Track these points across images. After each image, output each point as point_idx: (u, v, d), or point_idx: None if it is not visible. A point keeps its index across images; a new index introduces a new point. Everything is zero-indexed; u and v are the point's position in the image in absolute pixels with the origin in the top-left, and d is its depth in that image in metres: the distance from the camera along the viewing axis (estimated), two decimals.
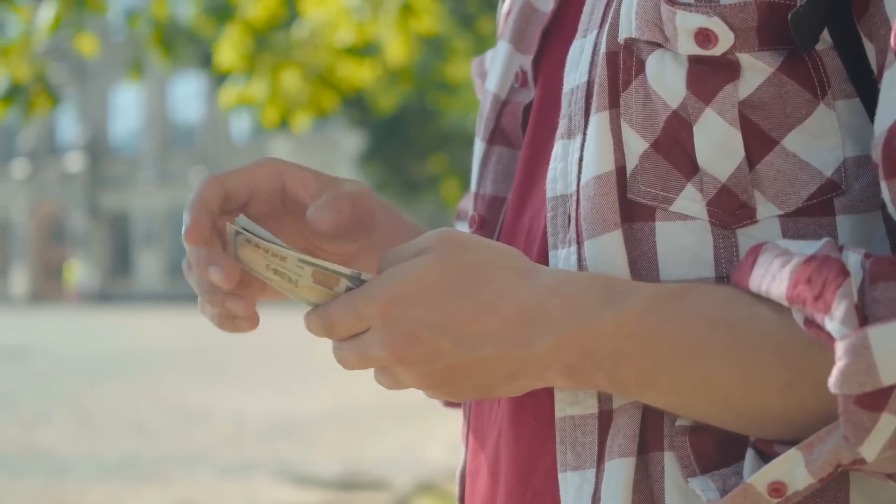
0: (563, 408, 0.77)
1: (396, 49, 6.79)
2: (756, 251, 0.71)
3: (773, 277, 0.68)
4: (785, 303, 0.68)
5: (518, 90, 0.93)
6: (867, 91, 0.73)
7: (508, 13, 0.98)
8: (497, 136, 0.94)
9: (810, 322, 0.67)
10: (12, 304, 43.64)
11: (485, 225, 0.93)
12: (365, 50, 7.21)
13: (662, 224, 0.75)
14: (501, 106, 0.94)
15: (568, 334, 0.70)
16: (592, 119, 0.78)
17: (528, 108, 0.91)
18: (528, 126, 0.89)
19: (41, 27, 6.18)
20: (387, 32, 6.75)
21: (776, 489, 0.68)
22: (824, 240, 0.69)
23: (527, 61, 0.92)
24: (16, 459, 8.02)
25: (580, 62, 0.80)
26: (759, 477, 0.69)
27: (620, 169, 0.76)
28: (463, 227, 1.05)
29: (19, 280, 46.30)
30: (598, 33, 0.79)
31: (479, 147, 0.96)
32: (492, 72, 0.96)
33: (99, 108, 46.73)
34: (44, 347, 18.80)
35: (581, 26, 0.82)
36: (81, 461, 7.96)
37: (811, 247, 0.69)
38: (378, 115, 20.90)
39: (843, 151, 0.73)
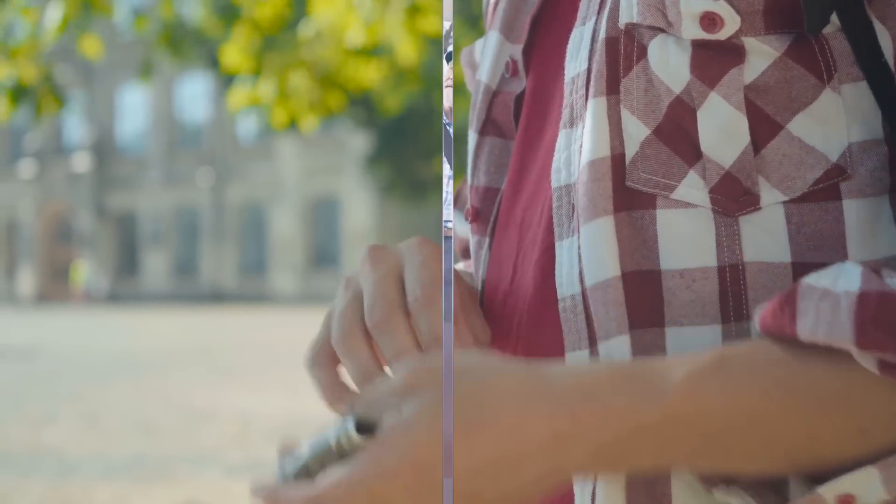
0: None
1: (404, 49, 6.79)
2: (793, 299, 0.67)
3: (828, 325, 0.64)
4: (853, 350, 0.64)
5: (509, 80, 0.91)
6: (876, 75, 0.71)
7: (497, 3, 0.96)
8: (489, 126, 0.93)
9: (887, 365, 0.64)
10: (19, 305, 43.74)
11: (479, 217, 0.92)
12: (372, 50, 7.22)
13: (663, 212, 0.73)
14: (492, 96, 0.92)
15: (606, 439, 0.65)
16: (589, 104, 0.76)
17: (519, 98, 0.89)
18: (521, 116, 0.88)
19: (48, 28, 6.20)
20: (394, 32, 6.76)
21: (846, 501, 0.66)
22: (857, 268, 0.66)
23: (517, 50, 0.90)
24: (23, 459, 8.03)
25: (580, 50, 0.79)
26: (829, 488, 0.66)
27: (618, 156, 0.75)
28: (459, 217, 1.05)
29: (26, 280, 46.41)
30: (597, 19, 0.78)
31: (471, 138, 0.94)
32: (482, 62, 0.95)
33: (106, 108, 46.85)
34: (51, 347, 18.84)
35: (580, 14, 0.80)
36: (88, 461, 7.97)
37: (848, 279, 0.65)
38: (385, 115, 20.94)
39: (847, 136, 0.71)
